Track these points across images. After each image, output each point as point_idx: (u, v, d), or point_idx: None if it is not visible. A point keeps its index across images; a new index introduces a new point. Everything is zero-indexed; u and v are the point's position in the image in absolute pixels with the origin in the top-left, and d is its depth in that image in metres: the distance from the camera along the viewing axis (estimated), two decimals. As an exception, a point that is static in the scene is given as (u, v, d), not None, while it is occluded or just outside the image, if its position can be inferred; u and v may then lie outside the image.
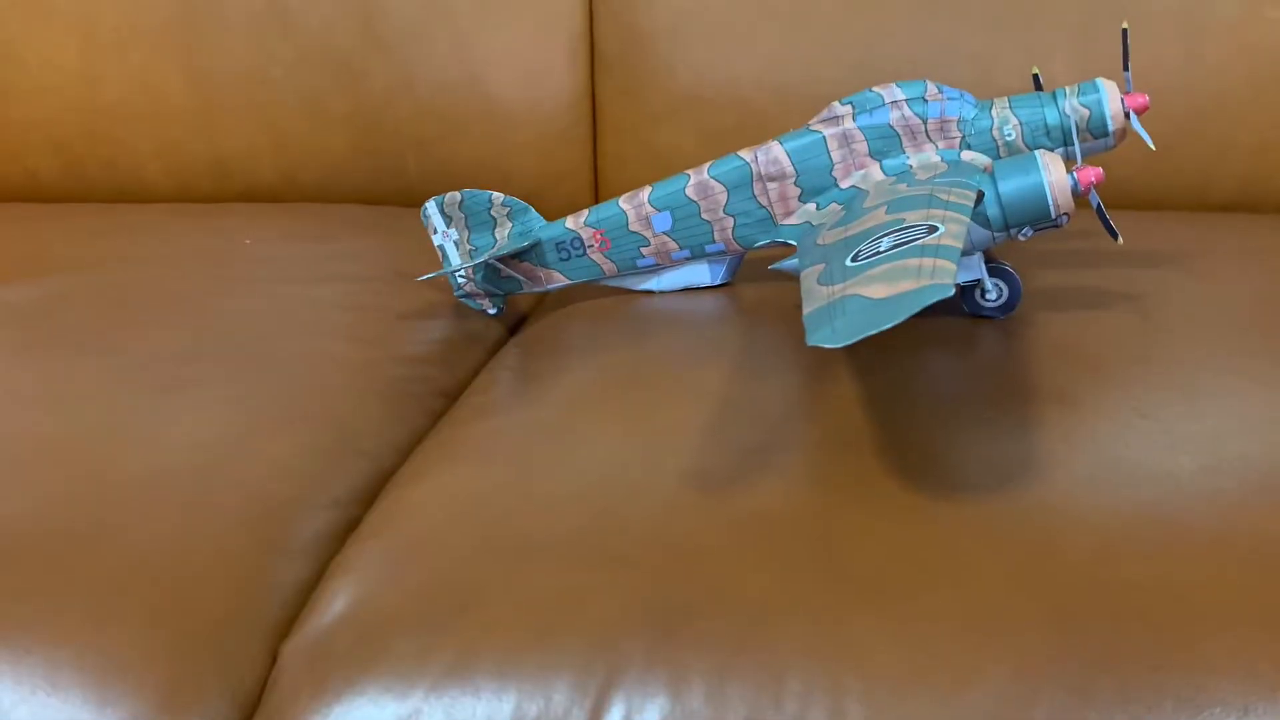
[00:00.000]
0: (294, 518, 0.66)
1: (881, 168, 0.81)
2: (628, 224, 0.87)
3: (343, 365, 0.82)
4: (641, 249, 0.88)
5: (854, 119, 0.82)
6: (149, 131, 1.25)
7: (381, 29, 1.21)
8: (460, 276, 0.91)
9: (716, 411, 0.71)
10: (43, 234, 1.13)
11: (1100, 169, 0.74)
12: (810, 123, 0.84)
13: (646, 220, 0.87)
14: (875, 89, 0.83)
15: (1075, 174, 0.74)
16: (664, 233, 0.87)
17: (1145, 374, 0.73)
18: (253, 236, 1.05)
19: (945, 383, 0.75)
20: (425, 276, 0.89)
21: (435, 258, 0.92)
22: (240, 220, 1.15)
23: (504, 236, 0.91)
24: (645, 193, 0.87)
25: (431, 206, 0.91)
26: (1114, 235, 0.75)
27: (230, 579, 0.61)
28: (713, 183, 0.85)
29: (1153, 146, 0.78)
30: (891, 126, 0.81)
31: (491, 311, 0.94)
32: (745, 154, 0.85)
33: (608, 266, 0.89)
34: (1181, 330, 0.79)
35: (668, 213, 0.86)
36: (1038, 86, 0.86)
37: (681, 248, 0.87)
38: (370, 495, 0.70)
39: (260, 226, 1.13)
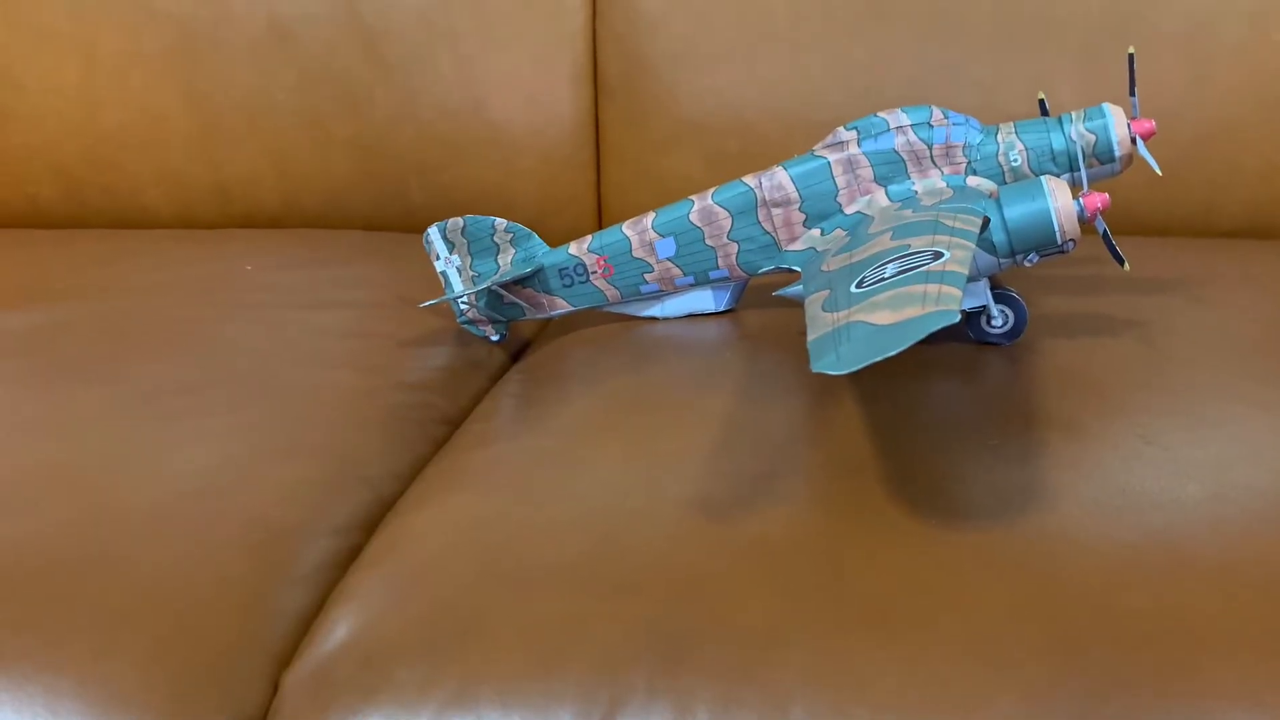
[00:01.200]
0: (296, 545, 0.67)
1: (887, 193, 0.83)
2: (631, 250, 0.89)
3: (345, 393, 0.84)
4: (645, 275, 0.89)
5: (859, 144, 0.83)
6: (150, 157, 1.27)
7: (384, 52, 1.23)
8: (463, 303, 0.92)
9: (719, 437, 0.72)
10: (44, 260, 1.15)
11: (1106, 195, 0.75)
12: (815, 148, 0.86)
13: (650, 246, 0.88)
14: (880, 114, 0.84)
15: (1081, 200, 0.75)
16: (668, 259, 0.88)
17: (1150, 400, 0.74)
18: (254, 263, 1.06)
19: (950, 409, 0.76)
20: (428, 303, 0.90)
21: (437, 284, 0.93)
22: (241, 246, 1.17)
23: (507, 263, 0.92)
24: (649, 218, 0.88)
25: (434, 232, 0.93)
26: (1120, 261, 0.76)
27: (231, 608, 0.62)
28: (717, 208, 0.86)
29: (1159, 172, 0.79)
30: (897, 152, 0.83)
31: (494, 338, 0.95)
32: (750, 179, 0.86)
33: (611, 293, 0.90)
34: (1187, 357, 0.79)
35: (671, 239, 0.88)
36: (1044, 112, 0.87)
37: (685, 274, 0.88)
38: (372, 523, 0.71)
39: (261, 252, 1.14)
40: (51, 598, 0.61)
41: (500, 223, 0.92)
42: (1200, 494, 0.63)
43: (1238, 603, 0.55)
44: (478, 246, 0.92)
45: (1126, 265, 0.76)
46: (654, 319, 0.91)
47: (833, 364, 0.57)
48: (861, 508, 0.63)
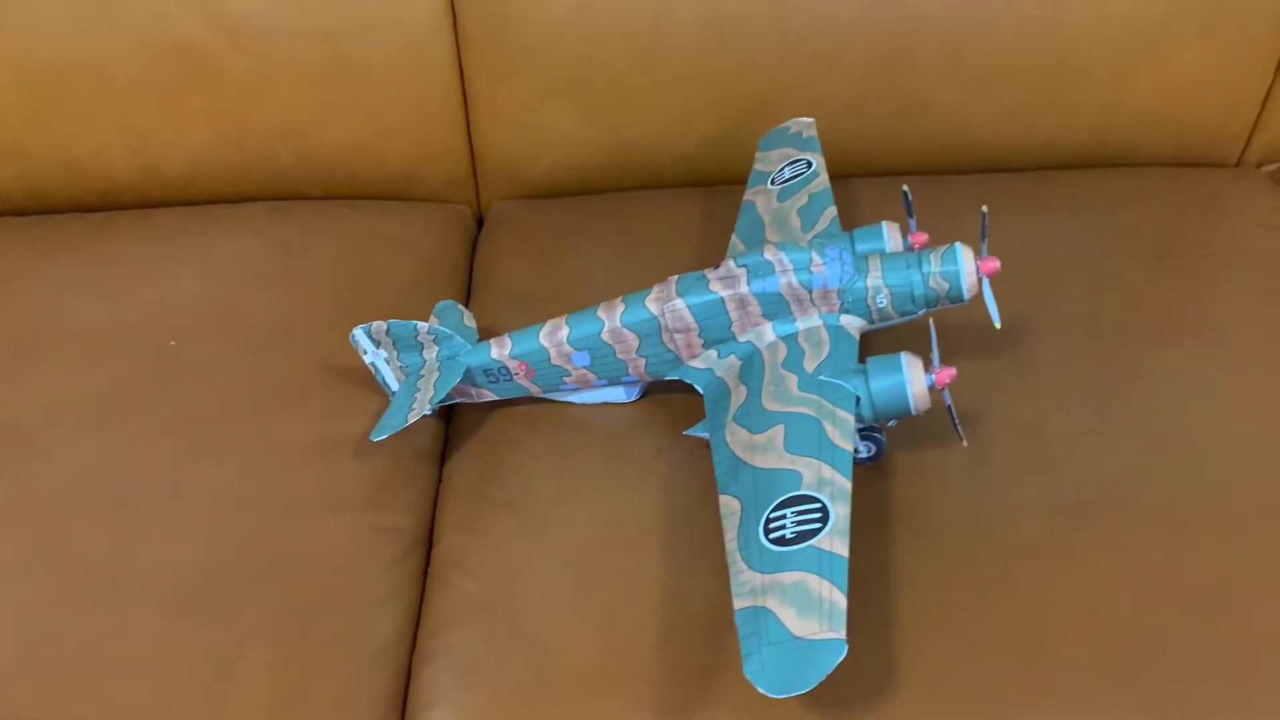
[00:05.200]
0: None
1: (773, 328, 1.03)
2: (550, 359, 1.07)
3: (318, 546, 1.02)
4: (564, 378, 1.08)
5: (748, 283, 1.02)
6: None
7: (227, 13, 1.26)
8: (410, 413, 1.08)
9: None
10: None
11: (954, 370, 0.97)
12: (708, 276, 1.03)
13: (567, 357, 1.07)
14: (766, 255, 1.01)
15: (933, 375, 0.97)
16: (584, 367, 1.07)
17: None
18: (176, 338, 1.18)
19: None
20: (380, 437, 1.07)
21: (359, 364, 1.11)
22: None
23: (432, 357, 1.10)
24: (564, 332, 1.06)
25: (359, 333, 1.09)
26: (960, 437, 1.00)
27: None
28: (626, 331, 1.05)
29: (998, 325, 1.00)
30: (781, 295, 1.01)
31: (428, 411, 1.14)
32: (653, 307, 1.03)
33: (534, 389, 1.10)
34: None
35: (586, 352, 1.06)
36: (907, 203, 1.05)
37: (600, 378, 1.08)
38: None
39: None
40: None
41: (422, 326, 1.08)
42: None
43: None
44: (402, 344, 1.09)
45: (965, 442, 1.00)
46: (572, 403, 1.12)
47: (758, 675, 0.80)
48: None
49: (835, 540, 0.85)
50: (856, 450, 1.01)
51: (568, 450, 1.08)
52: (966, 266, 0.99)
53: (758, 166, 1.25)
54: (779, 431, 0.94)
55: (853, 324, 1.01)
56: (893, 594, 0.94)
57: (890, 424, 0.99)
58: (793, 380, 0.98)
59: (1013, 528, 0.98)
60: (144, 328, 1.19)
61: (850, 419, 0.93)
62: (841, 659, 0.79)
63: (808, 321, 1.02)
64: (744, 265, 1.02)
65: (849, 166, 1.32)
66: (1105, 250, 1.26)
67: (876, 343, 1.05)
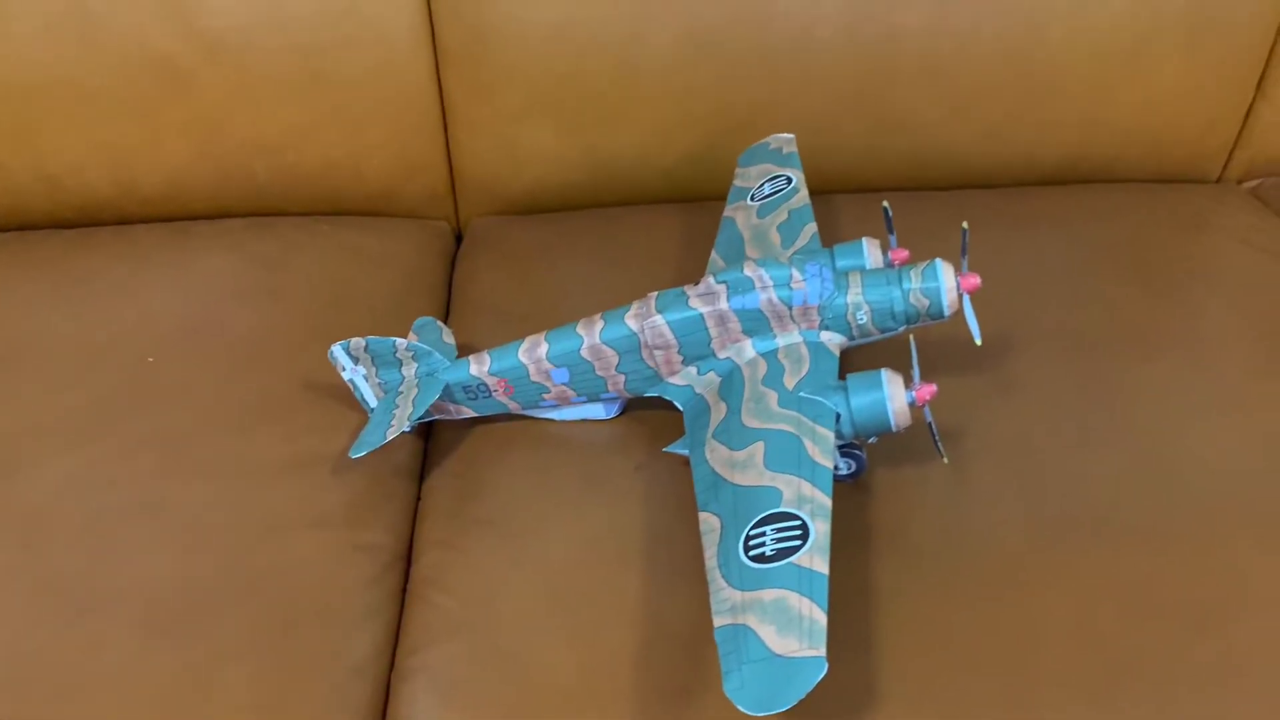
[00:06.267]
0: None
1: (753, 344, 1.04)
2: (529, 375, 1.08)
3: (300, 564, 1.02)
4: (543, 395, 1.09)
5: (727, 300, 1.03)
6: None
7: (204, 29, 1.27)
8: (389, 430, 1.09)
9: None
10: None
11: (934, 386, 0.98)
12: (688, 292, 1.04)
13: (546, 374, 1.08)
14: (746, 272, 1.02)
15: (914, 391, 0.98)
16: (563, 384, 1.08)
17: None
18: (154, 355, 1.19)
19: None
20: (359, 454, 1.07)
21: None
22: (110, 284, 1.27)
23: (410, 374, 1.11)
24: (543, 349, 1.07)
25: (338, 349, 1.09)
26: (940, 454, 1.01)
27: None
28: (605, 348, 1.06)
29: (979, 341, 1.01)
30: (761, 311, 1.02)
31: (406, 428, 1.15)
32: (633, 324, 1.05)
33: (513, 405, 1.11)
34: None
35: (565, 369, 1.07)
36: (887, 219, 1.07)
37: (579, 394, 1.09)
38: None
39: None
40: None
41: (401, 342, 1.09)
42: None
43: None
44: (381, 360, 1.10)
45: (946, 459, 1.01)
46: (551, 420, 1.13)
47: (738, 692, 0.81)
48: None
49: (815, 557, 0.86)
50: (837, 467, 1.02)
51: (547, 467, 1.08)
52: (947, 283, 1.01)
53: (737, 182, 1.26)
54: (759, 448, 0.95)
55: (833, 340, 1.02)
56: (873, 611, 0.95)
57: (871, 441, 1.00)
58: (773, 397, 0.99)
59: (994, 544, 0.99)
60: (122, 344, 1.20)
61: (830, 436, 0.94)
62: (822, 677, 0.80)
63: (788, 338, 1.03)
64: (724, 282, 1.03)
65: (829, 182, 1.33)
66: (1086, 266, 1.28)
67: (857, 359, 1.07)
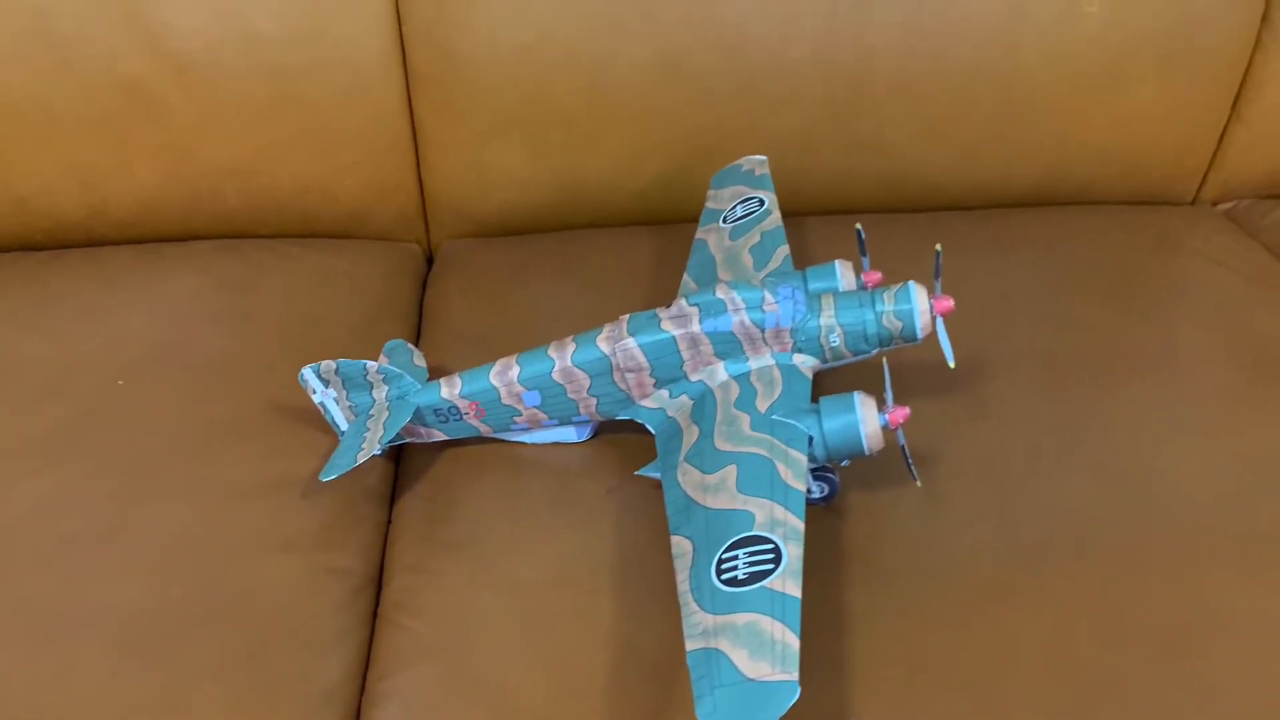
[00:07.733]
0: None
1: (725, 367, 1.05)
2: (500, 398, 1.09)
3: (269, 587, 1.03)
4: (514, 418, 1.10)
5: (700, 322, 1.04)
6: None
7: (174, 51, 1.28)
8: (359, 453, 1.10)
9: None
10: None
11: (907, 409, 0.99)
12: (660, 315, 1.05)
13: (518, 396, 1.09)
14: (718, 294, 1.04)
15: (887, 414, 0.99)
16: (534, 407, 1.09)
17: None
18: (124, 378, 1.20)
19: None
20: (329, 477, 1.08)
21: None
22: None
23: (381, 397, 1.11)
24: (514, 372, 1.08)
25: (308, 372, 1.10)
26: (914, 477, 1.02)
27: None
28: (577, 371, 1.07)
29: (952, 364, 1.03)
30: (733, 333, 1.04)
31: (377, 450, 1.16)
32: (604, 346, 1.06)
33: (484, 429, 1.12)
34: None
35: (537, 392, 1.08)
36: (860, 241, 1.08)
37: (551, 418, 1.10)
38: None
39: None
40: None
41: (372, 365, 1.10)
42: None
43: None
44: (352, 383, 1.11)
45: (919, 482, 1.02)
46: (523, 443, 1.14)
47: (709, 715, 0.82)
48: None
49: (788, 581, 0.87)
50: (809, 490, 1.03)
51: (518, 490, 1.09)
52: (920, 305, 1.02)
53: (710, 204, 1.28)
54: (731, 472, 0.96)
55: (805, 363, 1.04)
56: (846, 635, 0.96)
57: (844, 464, 1.01)
58: (745, 420, 1.00)
59: (967, 568, 1.01)
60: (91, 367, 1.20)
61: (803, 459, 0.95)
62: (794, 701, 0.80)
63: (760, 361, 1.04)
64: (696, 304, 1.04)
65: (802, 204, 1.35)
66: (1060, 288, 1.30)
67: (830, 382, 1.08)
